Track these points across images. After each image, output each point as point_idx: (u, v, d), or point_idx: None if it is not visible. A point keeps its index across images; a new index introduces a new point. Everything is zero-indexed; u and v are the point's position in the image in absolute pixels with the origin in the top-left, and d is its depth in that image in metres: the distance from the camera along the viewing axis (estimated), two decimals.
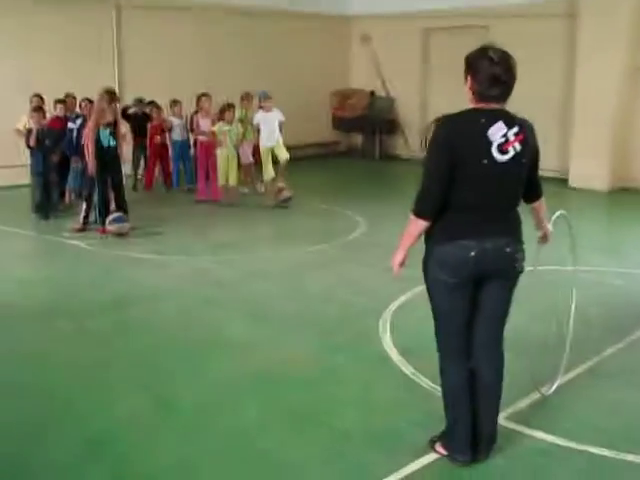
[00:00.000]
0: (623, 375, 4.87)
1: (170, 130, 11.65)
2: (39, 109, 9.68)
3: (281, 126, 11.01)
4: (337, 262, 7.61)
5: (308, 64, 16.26)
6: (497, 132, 3.31)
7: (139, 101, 11.90)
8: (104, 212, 8.61)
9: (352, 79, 17.50)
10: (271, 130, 10.86)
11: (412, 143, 16.66)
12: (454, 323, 3.55)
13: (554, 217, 4.24)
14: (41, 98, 10.26)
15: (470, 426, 3.61)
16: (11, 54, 11.68)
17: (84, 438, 3.91)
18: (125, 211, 8.74)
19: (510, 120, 3.36)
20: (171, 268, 7.38)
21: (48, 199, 9.66)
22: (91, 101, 9.85)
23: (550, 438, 3.92)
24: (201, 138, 10.99)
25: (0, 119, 10.55)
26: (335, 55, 17.11)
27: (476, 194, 3.36)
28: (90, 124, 8.54)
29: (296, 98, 15.16)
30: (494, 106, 3.36)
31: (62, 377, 4.78)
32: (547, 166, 13.51)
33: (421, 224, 3.41)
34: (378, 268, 6.75)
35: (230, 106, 10.73)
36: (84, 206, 8.88)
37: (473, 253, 3.37)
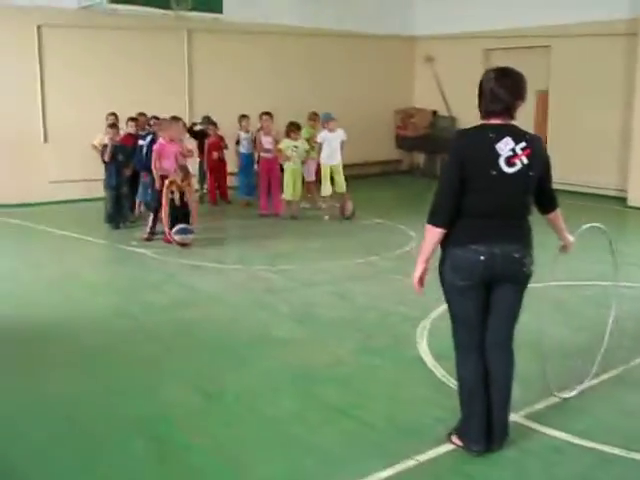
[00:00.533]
0: None
1: (237, 143, 12.26)
2: (114, 126, 10.37)
3: (342, 145, 11.33)
4: (385, 273, 7.96)
5: (373, 84, 16.69)
6: (505, 146, 3.63)
7: (206, 119, 12.55)
8: (168, 224, 9.18)
9: (415, 98, 17.84)
10: (333, 149, 11.18)
11: None
12: (468, 323, 3.87)
13: (582, 229, 4.49)
14: (116, 116, 10.97)
15: (484, 418, 3.90)
16: (94, 76, 12.53)
17: (133, 417, 4.40)
18: (188, 222, 9.29)
19: (518, 135, 3.68)
20: (228, 275, 7.85)
21: (119, 210, 10.33)
22: (158, 119, 10.47)
23: (564, 436, 4.17)
24: (263, 155, 11.51)
25: (85, 137, 11.29)
26: (399, 75, 17.50)
27: (486, 203, 3.68)
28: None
29: (361, 117, 15.65)
30: (499, 121, 3.68)
31: (118, 367, 5.27)
32: (607, 184, 13.71)
33: (436, 232, 3.73)
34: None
35: (294, 124, 11.21)
36: (151, 217, 9.49)
37: (483, 257, 3.68)
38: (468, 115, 16.70)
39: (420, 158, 17.49)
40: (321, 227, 10.70)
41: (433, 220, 3.73)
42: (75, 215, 11.62)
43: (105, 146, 10.11)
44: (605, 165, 14.10)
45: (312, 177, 11.99)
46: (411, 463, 3.83)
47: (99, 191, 10.81)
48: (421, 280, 3.85)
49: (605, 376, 5.09)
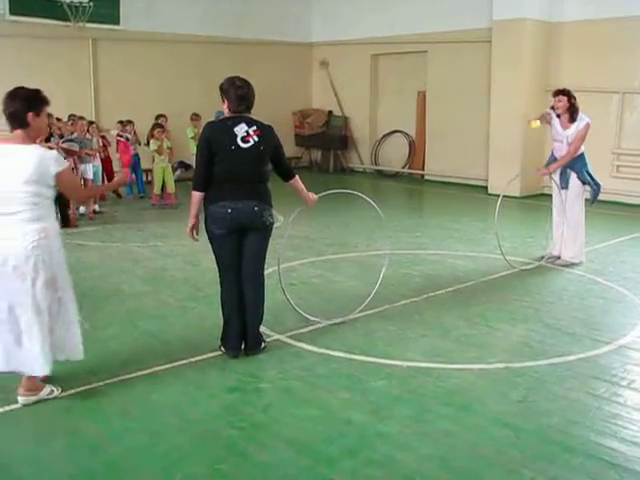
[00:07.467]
0: (398, 317, 6.58)
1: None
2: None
3: None
4: None
5: (273, 87, 18.11)
6: (240, 129, 5.19)
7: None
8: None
9: (314, 100, 19.50)
10: None
11: (363, 157, 18.61)
12: (224, 262, 5.42)
13: (328, 192, 6.41)
14: None
15: (238, 332, 5.46)
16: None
17: None
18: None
19: (251, 122, 5.26)
20: (105, 251, 9.34)
21: None
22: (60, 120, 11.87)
23: (307, 347, 5.75)
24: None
25: None
26: (298, 78, 19.11)
27: (229, 170, 5.20)
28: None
29: (262, 117, 17.07)
30: (237, 114, 5.23)
31: None
32: (475, 175, 15.49)
33: (197, 194, 5.28)
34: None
35: (157, 125, 12.84)
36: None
37: (230, 210, 5.21)
38: (358, 113, 18.59)
39: (318, 154, 19.13)
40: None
41: (194, 184, 5.30)
42: None
43: None
44: (473, 158, 15.90)
45: None
46: (185, 361, 5.40)
47: None
48: (192, 231, 5.37)
49: (370, 311, 6.68)
